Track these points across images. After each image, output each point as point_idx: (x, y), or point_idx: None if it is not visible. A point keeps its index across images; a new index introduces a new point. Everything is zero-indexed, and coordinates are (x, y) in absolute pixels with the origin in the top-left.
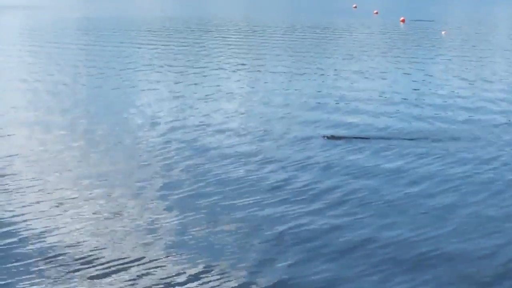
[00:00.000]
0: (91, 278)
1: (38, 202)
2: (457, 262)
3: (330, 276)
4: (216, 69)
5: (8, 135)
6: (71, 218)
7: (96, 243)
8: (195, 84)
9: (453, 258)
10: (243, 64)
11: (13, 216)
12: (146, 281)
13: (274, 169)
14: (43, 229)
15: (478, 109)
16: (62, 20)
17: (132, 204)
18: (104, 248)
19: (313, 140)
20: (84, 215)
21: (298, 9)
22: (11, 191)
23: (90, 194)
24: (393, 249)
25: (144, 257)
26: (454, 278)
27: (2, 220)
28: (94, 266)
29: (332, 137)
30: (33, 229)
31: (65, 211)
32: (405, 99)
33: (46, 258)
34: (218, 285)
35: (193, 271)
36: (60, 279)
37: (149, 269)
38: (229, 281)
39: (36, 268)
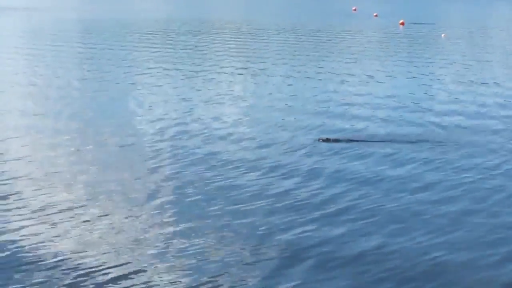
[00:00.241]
0: (95, 286)
1: (38, 207)
2: (464, 271)
3: (337, 286)
4: (216, 72)
5: (8, 139)
6: (73, 225)
7: (96, 252)
8: (196, 87)
9: (460, 267)
10: (242, 68)
11: (13, 220)
12: None
13: (275, 174)
14: (44, 236)
15: (477, 112)
16: (63, 22)
17: (133, 210)
18: (103, 258)
19: (312, 143)
20: (85, 221)
21: (298, 12)
22: (11, 195)
23: (91, 200)
24: (400, 257)
25: (144, 265)
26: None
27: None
28: (93, 276)
29: (327, 140)
30: (34, 235)
31: (67, 217)
32: (404, 102)
33: (47, 265)
34: None
35: (195, 281)
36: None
37: (149, 277)
38: None
39: (36, 277)
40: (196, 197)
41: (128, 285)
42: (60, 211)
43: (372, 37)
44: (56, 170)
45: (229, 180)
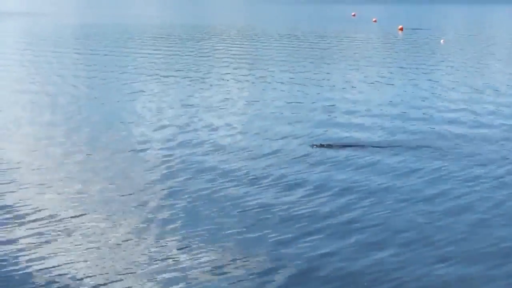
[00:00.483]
0: None
1: (37, 214)
2: (470, 285)
3: None
4: (214, 78)
5: (11, 147)
6: (75, 234)
7: (96, 259)
8: (195, 93)
9: (465, 281)
10: (242, 74)
11: (14, 224)
12: None
13: (272, 182)
14: (45, 252)
15: (477, 118)
16: (63, 27)
17: (135, 216)
18: (103, 267)
19: (306, 149)
20: (87, 228)
21: (298, 17)
22: (12, 199)
23: (93, 205)
24: (403, 268)
25: (142, 276)
26: None
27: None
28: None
29: (321, 146)
30: (33, 242)
31: (69, 224)
32: (402, 108)
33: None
34: None
35: None
36: None
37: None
38: None
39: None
40: (192, 206)
41: None
42: (61, 219)
43: (371, 43)
44: (57, 177)
45: (225, 186)
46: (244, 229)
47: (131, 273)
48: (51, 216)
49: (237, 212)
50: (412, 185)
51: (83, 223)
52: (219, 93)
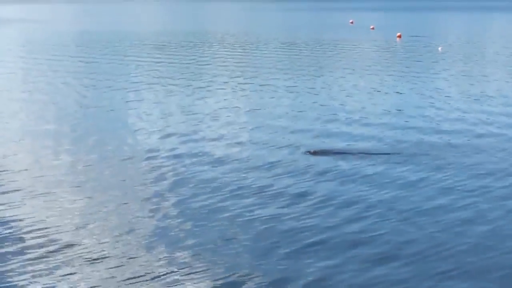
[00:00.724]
0: None
1: (41, 216)
2: (477, 278)
3: None
4: (211, 86)
5: (9, 154)
6: (78, 234)
7: (98, 271)
8: (193, 101)
9: (474, 275)
10: (240, 82)
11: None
12: None
13: (269, 190)
14: (45, 266)
15: (475, 126)
16: (61, 35)
17: (139, 218)
18: (108, 262)
19: (300, 156)
20: (92, 230)
21: (296, 25)
22: (12, 203)
23: (97, 208)
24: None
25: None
26: None
27: (4, 231)
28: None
29: (315, 153)
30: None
31: (72, 229)
32: (399, 115)
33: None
34: None
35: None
36: None
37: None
38: None
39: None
40: (193, 216)
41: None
42: (65, 224)
43: (369, 50)
44: (60, 186)
45: (223, 195)
46: (245, 241)
47: (135, 285)
48: (53, 226)
49: (239, 223)
50: (413, 195)
51: (84, 234)
52: (217, 101)
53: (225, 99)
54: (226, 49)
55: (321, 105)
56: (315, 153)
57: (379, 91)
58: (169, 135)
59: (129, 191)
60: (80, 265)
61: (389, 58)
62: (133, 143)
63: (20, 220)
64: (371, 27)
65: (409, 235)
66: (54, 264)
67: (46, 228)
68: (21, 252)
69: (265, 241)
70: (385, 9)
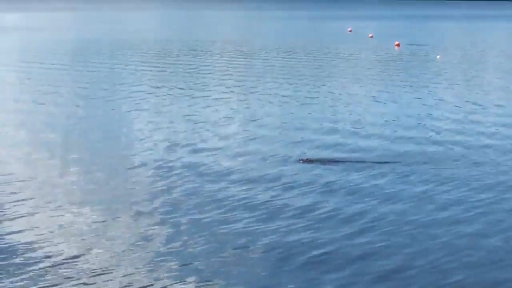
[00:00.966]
0: None
1: (38, 225)
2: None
3: None
4: (209, 94)
5: (11, 161)
6: (78, 244)
7: (95, 276)
8: (191, 109)
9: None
10: (238, 92)
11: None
12: None
13: (272, 193)
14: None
15: (474, 133)
16: (60, 42)
17: (140, 227)
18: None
19: (293, 164)
20: (93, 240)
21: (294, 33)
22: (11, 209)
23: (102, 220)
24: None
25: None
26: None
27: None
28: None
29: (308, 160)
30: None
31: (71, 236)
32: (396, 123)
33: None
34: None
35: None
36: None
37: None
38: None
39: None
40: (197, 215)
41: None
42: (61, 234)
43: (367, 59)
44: (57, 190)
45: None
46: (252, 254)
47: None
48: (55, 238)
49: (242, 236)
50: (410, 207)
51: (89, 245)
52: (215, 110)
53: (223, 108)
54: (224, 58)
55: (320, 114)
56: (316, 161)
57: (377, 100)
58: (169, 146)
59: (133, 202)
60: (86, 277)
61: (387, 66)
62: (133, 153)
63: (21, 231)
64: (370, 35)
65: (413, 247)
66: (59, 276)
67: (45, 241)
68: (25, 264)
69: (273, 253)
70: (383, 18)
